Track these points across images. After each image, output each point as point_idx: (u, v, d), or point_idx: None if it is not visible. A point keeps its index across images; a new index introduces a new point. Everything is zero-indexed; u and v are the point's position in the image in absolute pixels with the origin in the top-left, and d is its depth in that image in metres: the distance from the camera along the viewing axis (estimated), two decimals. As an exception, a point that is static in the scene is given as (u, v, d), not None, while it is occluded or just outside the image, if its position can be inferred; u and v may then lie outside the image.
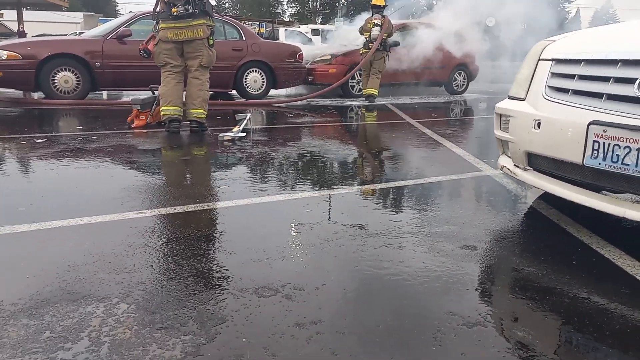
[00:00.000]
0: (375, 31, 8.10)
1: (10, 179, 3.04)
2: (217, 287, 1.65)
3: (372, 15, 8.33)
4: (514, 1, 9.37)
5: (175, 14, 4.43)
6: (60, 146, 3.90)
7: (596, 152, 1.93)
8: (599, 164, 1.92)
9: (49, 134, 4.46)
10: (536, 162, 2.33)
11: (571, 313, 1.54)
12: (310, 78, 8.92)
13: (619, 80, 1.94)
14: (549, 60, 2.34)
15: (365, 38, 8.27)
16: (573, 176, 2.13)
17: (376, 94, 8.36)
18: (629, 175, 1.84)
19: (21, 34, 18.23)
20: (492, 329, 1.44)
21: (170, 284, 1.65)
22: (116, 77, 6.90)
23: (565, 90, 2.18)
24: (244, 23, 12.03)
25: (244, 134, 4.55)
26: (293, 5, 59.63)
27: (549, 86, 2.27)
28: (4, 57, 6.47)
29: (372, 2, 8.47)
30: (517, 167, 2.44)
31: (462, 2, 9.74)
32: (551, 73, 2.29)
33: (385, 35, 8.16)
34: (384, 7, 8.46)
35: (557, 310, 1.55)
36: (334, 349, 1.32)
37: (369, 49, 8.10)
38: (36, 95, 7.23)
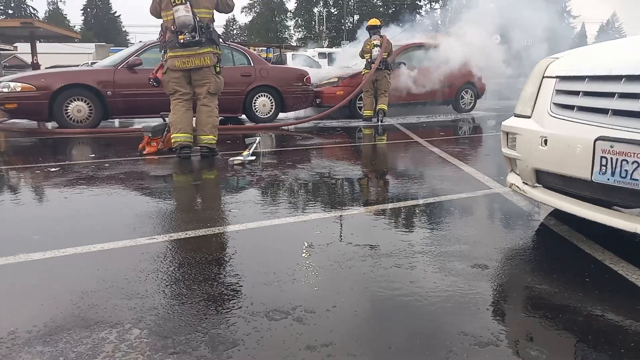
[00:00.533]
0: (376, 51, 8.22)
1: (24, 207, 3.09)
2: (228, 310, 1.65)
3: (371, 36, 8.46)
4: (520, 19, 9.46)
5: (182, 41, 4.52)
6: (74, 174, 3.96)
7: (604, 167, 1.93)
8: (608, 179, 1.92)
9: (63, 163, 4.54)
10: (545, 179, 2.33)
11: (585, 331, 1.52)
12: (318, 100, 9.02)
13: (624, 95, 1.95)
14: (553, 77, 2.35)
15: (367, 59, 8.39)
16: (582, 192, 2.12)
17: (386, 108, 8.44)
18: (638, 190, 1.83)
19: (35, 66, 18.67)
20: (505, 348, 1.43)
21: (182, 309, 1.66)
22: (127, 105, 7.04)
23: (570, 107, 2.19)
24: (252, 49, 12.24)
25: (253, 158, 4.60)
26: (300, 29, 60.55)
27: (554, 103, 2.28)
28: (19, 89, 6.64)
29: (369, 24, 8.66)
30: (526, 184, 2.43)
31: (469, 23, 9.85)
32: (556, 90, 2.31)
33: (385, 54, 8.27)
34: (380, 26, 8.61)
35: (571, 329, 1.54)
36: (346, 371, 1.32)
37: (371, 69, 8.21)
38: (50, 125, 7.37)
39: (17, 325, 1.55)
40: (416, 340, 1.47)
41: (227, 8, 4.89)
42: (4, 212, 2.98)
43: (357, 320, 1.60)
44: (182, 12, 4.45)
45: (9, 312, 1.67)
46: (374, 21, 8.63)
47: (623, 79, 1.98)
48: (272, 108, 8.15)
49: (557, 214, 2.67)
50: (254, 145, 4.83)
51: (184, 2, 4.45)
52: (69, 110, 6.77)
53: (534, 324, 1.57)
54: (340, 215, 2.81)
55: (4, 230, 2.59)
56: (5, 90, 6.67)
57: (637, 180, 1.83)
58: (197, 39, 4.54)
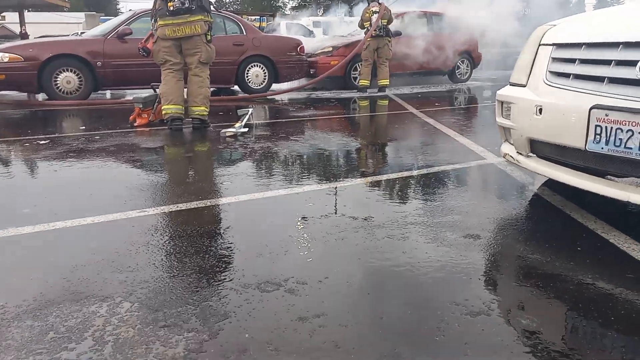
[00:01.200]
0: (374, 18, 8.06)
1: (14, 180, 3.05)
2: (219, 283, 1.65)
3: (369, 4, 8.30)
4: None
5: (171, 8, 4.41)
6: (64, 147, 3.91)
7: (598, 136, 1.91)
8: (602, 148, 1.90)
9: (52, 135, 4.48)
10: (539, 148, 2.31)
11: (576, 299, 1.52)
12: (312, 71, 8.89)
13: (621, 62, 1.92)
14: (550, 45, 2.31)
15: (367, 28, 8.23)
16: (576, 162, 2.11)
17: (388, 83, 8.35)
18: (632, 159, 1.82)
19: (24, 35, 18.28)
20: (497, 317, 1.43)
21: (173, 282, 1.66)
22: (118, 76, 6.92)
23: (566, 75, 2.15)
24: (245, 17, 12.00)
25: (246, 129, 4.55)
26: (294, -3, 59.31)
27: (550, 71, 2.25)
28: (6, 60, 6.50)
29: None
30: (520, 154, 2.41)
31: None
32: (552, 58, 2.26)
33: (385, 21, 8.12)
34: None
35: (561, 297, 1.54)
36: (337, 341, 1.32)
37: (373, 36, 8.06)
38: (40, 96, 7.25)
39: (7, 299, 1.54)
40: (408, 310, 1.47)
41: None
42: (-7, 185, 2.95)
43: (349, 291, 1.60)
44: None
45: (-2, 286, 1.65)
46: None
47: (620, 46, 1.94)
48: (265, 78, 8.04)
49: (550, 183, 2.67)
50: (247, 116, 4.77)
51: None
52: (58, 82, 6.64)
53: (526, 293, 1.58)
54: (334, 187, 2.80)
55: (-7, 204, 2.56)
56: (-8, 61, 6.53)
57: (630, 149, 1.81)
58: (187, 5, 4.43)
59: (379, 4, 8.18)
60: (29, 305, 1.50)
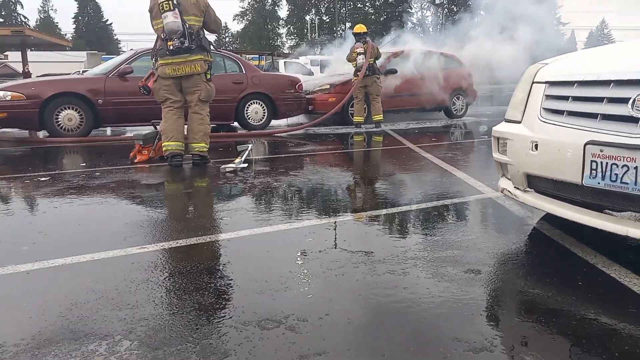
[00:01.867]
0: (360, 59, 8.27)
1: (14, 217, 3.06)
2: (219, 320, 1.64)
3: (355, 43, 8.51)
4: (511, 26, 9.55)
5: (171, 47, 4.51)
6: (64, 184, 3.93)
7: (594, 171, 1.93)
8: (598, 183, 1.92)
9: (53, 172, 4.50)
10: (536, 183, 2.33)
11: (579, 335, 1.52)
12: (310, 107, 9.03)
13: (613, 100, 1.96)
14: (543, 82, 2.37)
15: (353, 66, 8.45)
16: (574, 196, 2.13)
17: (382, 118, 8.49)
18: (628, 193, 1.84)
19: (27, 74, 18.57)
20: (500, 354, 1.42)
21: (173, 319, 1.64)
22: (119, 113, 7.01)
23: (560, 112, 2.20)
24: (243, 56, 12.25)
25: (245, 165, 4.58)
26: (292, 37, 60.75)
27: (544, 108, 2.30)
28: (9, 98, 6.59)
29: (354, 31, 8.76)
30: (518, 189, 2.44)
31: (462, 29, 9.94)
32: (545, 95, 2.32)
33: (372, 59, 8.31)
34: (365, 33, 8.66)
35: (564, 333, 1.53)
36: (339, 380, 1.30)
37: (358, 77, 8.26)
38: (41, 134, 7.32)
39: (5, 338, 1.52)
40: (410, 347, 1.46)
41: (216, 26, 4.91)
42: (-7, 222, 2.95)
43: (350, 328, 1.59)
44: (171, 19, 4.44)
45: (-4, 324, 1.64)
46: (360, 27, 8.70)
47: (612, 84, 1.99)
48: (264, 115, 8.15)
49: (549, 218, 2.68)
50: (246, 152, 4.82)
51: (172, 8, 4.44)
52: (59, 119, 6.73)
53: (528, 328, 1.57)
54: (333, 222, 2.80)
55: (-8, 241, 2.55)
56: (-5, 99, 6.62)
57: (627, 183, 1.84)
58: (186, 45, 4.53)
59: (365, 43, 8.37)
60: (27, 344, 1.49)
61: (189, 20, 4.59)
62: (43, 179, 4.14)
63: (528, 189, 2.39)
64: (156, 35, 4.75)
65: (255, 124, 8.06)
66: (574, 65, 2.41)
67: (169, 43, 4.51)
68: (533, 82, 2.44)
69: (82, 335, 1.54)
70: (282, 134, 7.86)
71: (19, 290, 1.92)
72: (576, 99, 2.15)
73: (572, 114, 2.14)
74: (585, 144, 1.97)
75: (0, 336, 1.54)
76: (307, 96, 8.97)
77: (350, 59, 8.50)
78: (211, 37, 4.93)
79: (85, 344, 1.49)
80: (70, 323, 1.62)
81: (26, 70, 19.42)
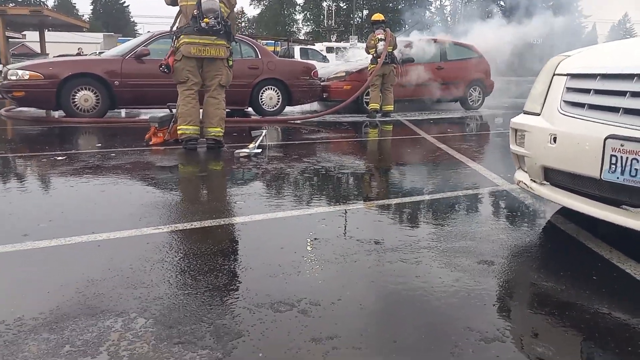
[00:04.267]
0: (380, 46, 8.19)
1: (31, 195, 3.10)
2: (233, 302, 1.65)
3: (374, 31, 8.44)
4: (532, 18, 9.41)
5: (204, 26, 4.48)
6: (80, 163, 3.97)
7: (614, 166, 1.91)
8: (617, 178, 1.90)
9: (69, 152, 4.55)
10: (553, 176, 2.31)
11: (592, 329, 1.51)
12: (325, 95, 9.00)
13: (636, 94, 1.93)
14: (564, 75, 2.33)
15: (372, 54, 8.37)
16: (591, 190, 2.11)
17: (392, 109, 8.45)
18: (648, 189, 1.81)
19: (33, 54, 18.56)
20: (511, 344, 1.42)
21: (187, 299, 1.67)
22: (134, 95, 7.04)
23: (581, 105, 2.17)
24: (259, 41, 12.21)
25: (259, 150, 4.59)
26: (308, 23, 60.39)
27: (564, 101, 2.27)
28: (27, 77, 6.65)
29: (372, 19, 8.70)
30: (534, 181, 2.42)
31: (479, 22, 9.82)
32: (566, 88, 2.29)
33: (390, 47, 8.24)
34: (384, 21, 8.59)
35: (577, 326, 1.53)
36: (351, 364, 1.32)
37: (377, 63, 8.18)
38: (57, 114, 7.39)
39: (24, 312, 1.56)
40: (421, 334, 1.47)
41: (233, 26, 4.89)
42: (11, 199, 3.00)
43: (362, 314, 1.60)
44: None
45: (15, 298, 1.67)
46: (378, 16, 8.65)
47: (635, 78, 1.96)
48: (278, 101, 8.14)
49: (564, 211, 2.66)
50: (260, 137, 4.82)
51: None
52: (76, 99, 6.78)
53: (540, 320, 1.56)
54: (346, 209, 2.81)
55: (11, 218, 2.59)
56: (14, 77, 6.69)
57: (647, 179, 1.81)
58: (218, 27, 4.53)
59: (384, 30, 8.30)
60: (45, 318, 1.52)
61: (220, 6, 4.59)
62: (60, 158, 4.19)
63: (544, 182, 2.37)
64: (178, 13, 4.73)
65: (269, 109, 8.05)
66: (597, 58, 2.37)
67: (204, 20, 4.48)
68: (554, 74, 2.41)
69: (99, 312, 1.57)
70: (296, 121, 7.85)
71: (37, 266, 1.95)
72: (598, 92, 2.11)
73: (593, 107, 2.11)
74: (606, 138, 1.95)
75: (19, 310, 1.57)
76: (322, 83, 8.93)
77: (370, 45, 8.42)
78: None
79: (101, 319, 1.52)
80: (87, 299, 1.65)
81: (46, 53, 19.51)
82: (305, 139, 5.97)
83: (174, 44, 4.71)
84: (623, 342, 1.44)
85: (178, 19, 4.77)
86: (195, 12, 4.54)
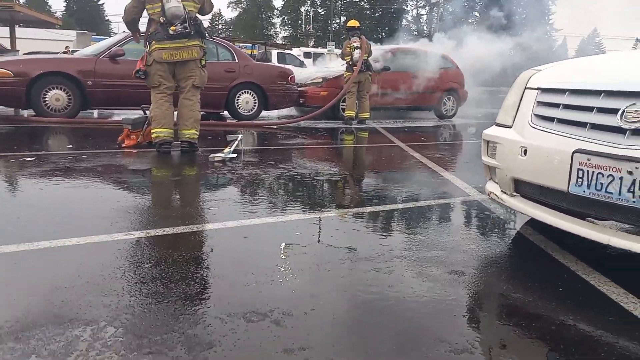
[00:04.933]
0: (357, 54, 8.26)
1: (-2, 197, 3.02)
2: (205, 311, 1.64)
3: (350, 38, 8.50)
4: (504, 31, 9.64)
5: (173, 32, 4.47)
6: (50, 165, 3.89)
7: (581, 180, 1.97)
8: (584, 191, 1.96)
9: (39, 152, 4.45)
10: (523, 188, 2.37)
11: (558, 340, 1.55)
12: (301, 100, 9.01)
13: (602, 110, 2.00)
14: (535, 89, 2.40)
15: (348, 62, 8.43)
16: (559, 203, 2.16)
17: (368, 116, 8.52)
18: (612, 203, 1.88)
19: (2, 50, 18.00)
20: (480, 355, 1.45)
21: (158, 308, 1.65)
22: (108, 96, 6.92)
23: (550, 119, 2.23)
24: (236, 44, 12.16)
25: (234, 155, 4.57)
26: (286, 28, 60.46)
27: (535, 114, 2.33)
28: (-5, 75, 6.47)
29: (348, 25, 8.76)
30: (504, 193, 2.47)
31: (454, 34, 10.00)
32: (537, 102, 2.35)
33: (366, 55, 8.31)
34: (359, 28, 8.66)
35: (543, 338, 1.57)
36: (322, 375, 1.32)
37: (353, 71, 8.24)
38: (26, 112, 7.20)
39: (-13, 319, 1.51)
40: (393, 345, 1.48)
41: (210, 7, 4.87)
42: (-24, 201, 2.91)
43: (334, 324, 1.60)
44: (174, 3, 4.42)
45: (-21, 305, 1.63)
46: (353, 22, 8.71)
47: (602, 94, 2.02)
48: (255, 105, 8.11)
49: (533, 223, 2.72)
50: (236, 142, 4.80)
51: None
52: (47, 99, 6.62)
53: (508, 331, 1.60)
54: (320, 217, 2.82)
55: (-25, 221, 2.52)
56: (-19, 75, 6.50)
57: (611, 193, 1.87)
58: (187, 30, 4.50)
59: (360, 38, 8.37)
60: (11, 327, 1.48)
61: (187, 7, 4.56)
62: (28, 159, 4.09)
63: (514, 194, 2.42)
64: (149, 20, 4.70)
65: (245, 113, 8.02)
66: (567, 73, 2.44)
67: (171, 28, 4.46)
68: (526, 88, 2.47)
69: (67, 320, 1.54)
70: (272, 126, 7.84)
71: (3, 272, 1.90)
72: (567, 107, 2.18)
73: (562, 121, 2.17)
74: (574, 152, 2.00)
75: (-17, 318, 1.53)
76: (298, 89, 8.94)
77: (346, 53, 8.47)
78: (204, 24, 4.89)
79: (69, 328, 1.49)
80: (54, 307, 1.62)
81: (16, 49, 18.98)
82: (281, 144, 5.97)
83: (147, 49, 4.67)
84: (587, 353, 1.48)
85: (148, 25, 4.73)
86: (161, 19, 4.52)
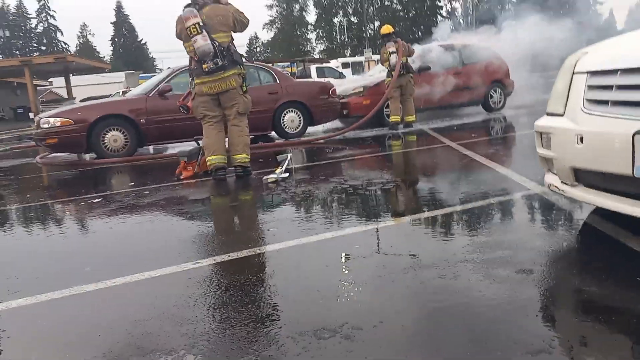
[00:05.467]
0: (393, 58, 8.21)
1: (72, 240, 3.22)
2: (277, 331, 1.69)
3: (385, 44, 8.47)
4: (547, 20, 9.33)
5: (206, 70, 4.65)
6: (116, 204, 4.10)
7: (646, 162, 1.88)
8: (651, 174, 1.87)
9: (104, 193, 4.70)
10: (584, 177, 2.28)
11: (641, 332, 1.49)
12: (345, 112, 9.05)
13: (660, 87, 1.91)
14: (584, 72, 2.32)
15: (387, 68, 8.40)
16: (625, 188, 2.08)
17: (415, 119, 8.44)
18: (684, 183, 1.78)
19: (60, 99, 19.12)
20: (559, 355, 1.41)
21: (232, 332, 1.71)
22: (161, 131, 7.23)
23: (604, 102, 2.15)
24: (274, 64, 12.42)
25: (286, 175, 4.66)
26: (321, 41, 61.00)
27: (587, 99, 2.25)
28: (58, 124, 6.92)
29: (381, 32, 8.70)
30: (565, 184, 2.39)
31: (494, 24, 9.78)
32: (587, 86, 2.27)
33: (405, 58, 8.25)
34: (393, 33, 8.59)
35: (625, 331, 1.51)
36: (399, 387, 1.33)
37: (392, 77, 8.20)
38: (88, 156, 7.64)
39: (78, 357, 1.62)
40: (467, 351, 1.47)
41: (242, 26, 4.93)
42: (54, 245, 3.12)
43: (405, 335, 1.61)
44: (201, 42, 4.57)
45: (69, 344, 1.74)
46: (387, 28, 8.65)
47: (658, 70, 1.94)
48: (300, 123, 8.24)
49: (600, 211, 2.61)
50: (286, 161, 4.89)
51: (199, 31, 4.56)
52: (105, 141, 7.01)
53: (587, 328, 1.55)
54: (378, 227, 2.82)
55: (56, 264, 2.70)
56: (46, 126, 6.97)
57: (682, 173, 1.78)
58: (220, 64, 4.65)
59: (395, 42, 8.33)
60: (100, 362, 1.58)
61: (218, 38, 4.69)
62: (96, 200, 4.34)
63: (576, 183, 2.34)
64: (189, 56, 4.90)
65: (292, 132, 8.15)
66: (615, 51, 2.35)
67: (203, 65, 4.64)
68: (573, 73, 2.39)
69: (149, 351, 1.62)
70: (319, 141, 7.92)
71: (86, 310, 2.03)
72: (621, 87, 2.09)
73: (617, 103, 2.09)
74: (634, 134, 1.92)
75: (73, 355, 1.64)
76: (341, 100, 8.99)
77: (383, 59, 8.47)
78: (241, 48, 5.03)
79: (152, 359, 1.57)
80: (136, 340, 1.71)
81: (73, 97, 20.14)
82: (330, 158, 6.02)
83: (191, 85, 4.89)
84: (675, 344, 1.41)
85: (190, 61, 4.92)
86: (195, 57, 4.69)
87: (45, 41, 66.36)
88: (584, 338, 1.49)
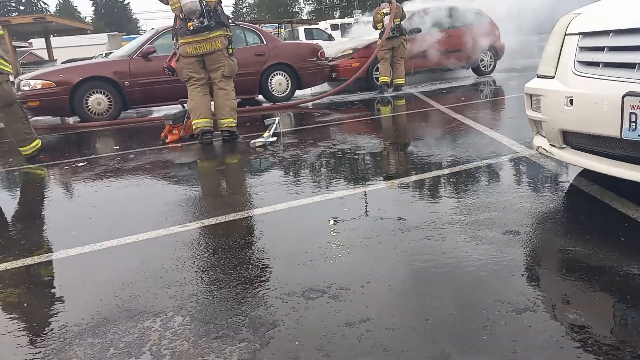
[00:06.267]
0: (386, 20, 8.07)
1: (58, 204, 3.18)
2: (265, 292, 1.69)
3: (380, 4, 8.30)
4: None
5: (192, 28, 4.52)
6: (101, 168, 4.05)
7: (634, 124, 1.88)
8: (638, 135, 1.88)
9: (89, 157, 4.63)
10: (572, 139, 2.29)
11: (623, 291, 1.51)
12: (334, 74, 8.93)
13: (652, 48, 1.89)
14: (576, 34, 2.29)
15: (380, 29, 8.26)
16: (612, 150, 2.08)
17: (404, 82, 8.36)
18: (671, 145, 1.79)
19: (41, 61, 18.59)
20: (543, 313, 1.43)
21: (221, 294, 1.71)
22: (145, 94, 7.09)
23: (595, 64, 2.13)
24: (262, 26, 12.14)
25: (274, 139, 4.61)
26: (310, 2, 59.71)
27: (578, 61, 2.23)
28: (39, 87, 6.74)
29: None
30: (553, 146, 2.40)
31: None
32: (579, 47, 2.25)
33: (398, 20, 8.11)
34: None
35: (608, 289, 1.53)
36: (386, 345, 1.35)
37: (388, 38, 8.07)
38: (72, 119, 7.49)
39: (67, 319, 1.62)
40: (452, 310, 1.49)
41: None
42: (38, 210, 3.08)
43: (392, 295, 1.62)
44: None
45: (57, 307, 1.74)
46: None
47: (650, 31, 1.91)
48: (288, 86, 8.12)
49: (586, 174, 2.63)
50: (274, 125, 4.84)
51: None
52: (89, 104, 6.86)
53: (570, 287, 1.57)
54: (367, 191, 2.82)
55: (41, 228, 2.67)
56: (27, 88, 6.79)
57: (669, 135, 1.79)
58: (206, 24, 4.52)
59: (390, 3, 8.17)
60: (87, 324, 1.58)
61: None
62: (80, 164, 4.27)
63: (564, 146, 2.34)
64: (174, 15, 4.75)
65: (279, 95, 8.05)
66: (609, 13, 2.31)
67: (188, 24, 4.51)
68: (565, 34, 2.36)
69: (137, 313, 1.62)
70: (307, 104, 7.83)
71: (73, 274, 2.02)
72: (612, 49, 2.07)
73: (608, 65, 2.07)
74: (624, 96, 1.91)
75: (63, 317, 1.64)
76: (330, 63, 8.86)
77: (377, 20, 8.30)
78: (227, 9, 4.89)
79: (140, 321, 1.57)
80: (124, 302, 1.71)
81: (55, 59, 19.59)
82: (318, 122, 5.97)
83: (175, 46, 4.76)
84: (656, 302, 1.44)
85: (174, 20, 4.78)
86: (181, 14, 4.55)
87: (24, 0, 64.12)
88: (568, 296, 1.52)
